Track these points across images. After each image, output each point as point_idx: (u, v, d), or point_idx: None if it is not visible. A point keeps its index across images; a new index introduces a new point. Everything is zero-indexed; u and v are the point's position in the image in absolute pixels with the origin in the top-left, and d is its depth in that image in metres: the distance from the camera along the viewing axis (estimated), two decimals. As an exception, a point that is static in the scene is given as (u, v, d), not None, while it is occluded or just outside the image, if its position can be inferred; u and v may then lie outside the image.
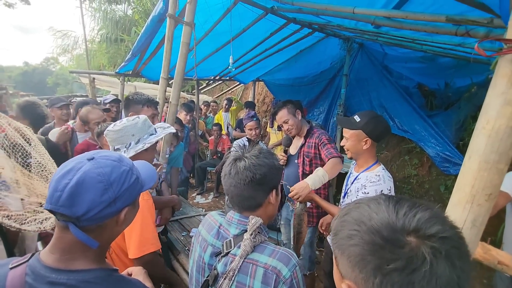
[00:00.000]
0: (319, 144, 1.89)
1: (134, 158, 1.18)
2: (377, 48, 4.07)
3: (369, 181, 1.45)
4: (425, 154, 3.77)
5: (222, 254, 0.87)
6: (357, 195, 1.49)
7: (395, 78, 4.07)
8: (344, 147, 1.58)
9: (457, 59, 3.15)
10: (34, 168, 1.34)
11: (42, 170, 1.35)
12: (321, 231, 1.75)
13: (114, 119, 2.52)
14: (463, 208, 0.63)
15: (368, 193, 1.44)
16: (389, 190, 1.44)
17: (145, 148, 1.23)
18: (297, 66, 4.89)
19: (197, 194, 4.95)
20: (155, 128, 1.35)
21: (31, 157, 1.34)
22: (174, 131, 1.39)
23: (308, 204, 1.80)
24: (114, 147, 1.25)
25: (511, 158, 0.58)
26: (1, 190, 1.23)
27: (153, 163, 1.46)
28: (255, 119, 2.87)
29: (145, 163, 0.89)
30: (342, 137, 5.04)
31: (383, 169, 1.51)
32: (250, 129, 2.87)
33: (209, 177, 5.35)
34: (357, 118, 1.51)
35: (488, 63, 2.17)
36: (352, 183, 1.56)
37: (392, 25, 1.88)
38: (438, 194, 3.59)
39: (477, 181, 0.61)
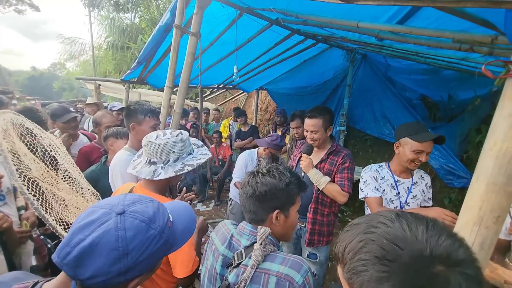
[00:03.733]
0: (339, 164, 1.81)
1: (166, 178, 1.13)
2: (380, 59, 4.09)
3: (429, 179, 1.68)
4: (428, 166, 3.73)
5: (233, 265, 0.87)
6: (427, 196, 1.67)
7: (398, 89, 4.08)
8: (418, 163, 1.55)
9: (460, 72, 3.16)
10: (63, 178, 1.32)
11: (73, 182, 1.34)
12: None
13: (120, 126, 2.51)
14: (471, 230, 0.62)
15: (431, 188, 1.68)
16: None
17: (186, 170, 1.14)
18: (301, 76, 4.92)
19: (198, 202, 4.93)
20: (192, 147, 1.28)
21: (60, 168, 1.33)
22: (210, 155, 1.31)
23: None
24: (150, 160, 1.17)
25: (519, 181, 0.57)
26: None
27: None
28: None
29: (186, 208, 0.78)
30: (345, 147, 4.97)
31: None
32: (293, 128, 2.91)
33: (211, 184, 5.33)
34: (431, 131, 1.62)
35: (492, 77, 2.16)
36: (411, 188, 1.67)
37: (395, 39, 1.90)
38: (442, 207, 3.53)
39: (485, 203, 0.60)
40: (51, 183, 1.19)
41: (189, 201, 1.56)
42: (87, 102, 4.72)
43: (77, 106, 6.29)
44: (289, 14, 2.25)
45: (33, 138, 1.25)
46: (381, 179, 1.70)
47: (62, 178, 1.27)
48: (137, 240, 0.57)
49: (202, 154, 1.26)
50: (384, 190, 1.68)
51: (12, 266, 1.29)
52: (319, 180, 1.77)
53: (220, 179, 4.77)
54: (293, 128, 2.78)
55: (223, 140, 5.17)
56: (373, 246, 0.43)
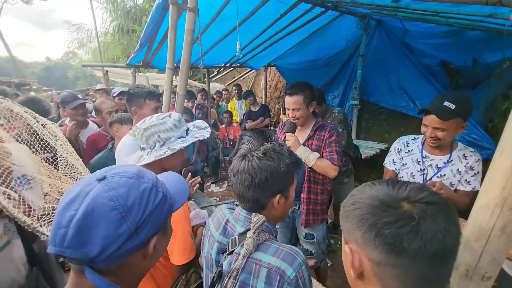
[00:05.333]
0: (326, 139, 1.77)
1: (157, 163, 1.10)
2: (397, 24, 3.77)
3: (474, 160, 1.42)
4: (449, 138, 3.53)
5: (227, 252, 0.84)
6: (464, 178, 1.44)
7: (416, 56, 3.77)
8: (431, 138, 1.42)
9: (487, 32, 2.84)
10: (60, 166, 1.32)
11: (70, 167, 1.34)
12: None
13: (125, 111, 2.50)
14: (491, 213, 0.54)
15: (478, 171, 1.43)
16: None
17: (166, 155, 1.09)
18: (310, 49, 4.67)
19: (212, 183, 5.01)
20: (188, 129, 1.22)
21: (57, 154, 1.32)
22: (208, 135, 1.24)
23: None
24: (140, 146, 1.16)
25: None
26: (21, 185, 1.24)
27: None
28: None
29: (173, 175, 0.75)
30: (359, 122, 4.82)
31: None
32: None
33: (223, 165, 5.37)
34: (450, 105, 1.33)
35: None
36: (443, 167, 1.49)
37: (412, -2, 1.70)
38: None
39: (510, 182, 0.51)
40: (45, 173, 1.19)
41: (195, 187, 1.54)
42: (96, 88, 4.78)
43: (89, 94, 6.39)
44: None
45: (29, 127, 1.25)
46: (406, 152, 1.63)
47: (62, 168, 1.28)
48: (133, 195, 0.52)
49: (196, 137, 1.20)
50: (406, 163, 1.62)
51: (32, 253, 1.33)
52: (308, 157, 1.72)
53: (232, 160, 4.79)
54: None
55: (235, 119, 5.11)
56: (360, 188, 0.56)
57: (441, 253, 0.45)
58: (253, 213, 0.83)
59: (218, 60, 4.86)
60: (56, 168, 1.26)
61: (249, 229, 0.82)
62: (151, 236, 0.55)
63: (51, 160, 1.25)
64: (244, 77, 7.86)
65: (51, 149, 1.27)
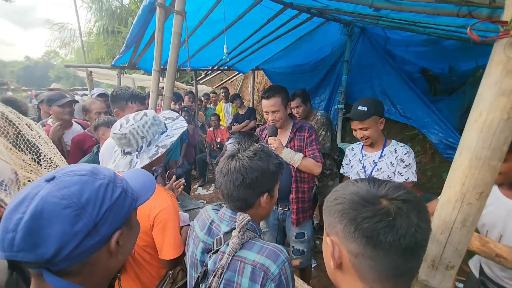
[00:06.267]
0: (307, 138, 1.83)
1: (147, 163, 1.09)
2: (379, 32, 3.92)
3: (403, 152, 1.62)
4: (428, 141, 3.69)
5: (212, 251, 0.85)
6: (396, 170, 1.62)
7: (398, 63, 3.94)
8: (361, 138, 1.70)
9: (461, 42, 3.02)
10: (44, 166, 1.29)
11: (54, 167, 1.31)
12: None
13: (105, 113, 2.45)
14: (453, 207, 0.59)
15: (410, 163, 1.60)
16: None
17: (161, 153, 1.09)
18: (297, 53, 4.76)
19: (199, 186, 4.97)
20: (165, 124, 1.21)
21: (41, 154, 1.29)
22: (186, 126, 1.24)
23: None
24: (124, 151, 1.13)
25: (505, 154, 0.54)
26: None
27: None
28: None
29: (138, 170, 0.74)
30: (343, 126, 4.92)
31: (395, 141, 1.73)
32: (293, 108, 2.68)
33: (210, 168, 5.35)
34: (363, 108, 1.64)
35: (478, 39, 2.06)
36: (378, 161, 1.70)
37: (391, 8, 1.79)
38: (441, 181, 3.54)
39: (468, 179, 0.56)
40: (27, 170, 1.17)
41: (179, 189, 1.54)
42: (49, 88, 4.68)
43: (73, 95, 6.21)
44: (278, -15, 2.12)
45: (8, 124, 1.22)
46: (352, 155, 1.88)
47: (44, 165, 1.26)
48: (87, 192, 0.50)
49: (177, 128, 1.19)
50: (352, 165, 1.86)
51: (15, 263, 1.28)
52: (293, 158, 1.77)
53: (219, 163, 4.78)
54: (293, 108, 2.70)
55: (221, 123, 5.12)
56: (343, 185, 0.59)
57: (413, 246, 0.48)
58: (238, 213, 0.86)
59: (205, 62, 4.86)
60: (40, 168, 1.23)
61: (234, 229, 0.84)
62: (113, 232, 0.54)
63: (37, 160, 1.23)
64: (232, 80, 7.89)
65: (36, 149, 1.24)
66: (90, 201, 0.50)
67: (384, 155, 1.68)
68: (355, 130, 1.69)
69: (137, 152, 1.10)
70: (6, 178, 1.39)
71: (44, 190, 0.48)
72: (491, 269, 1.29)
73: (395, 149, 1.67)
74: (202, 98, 6.10)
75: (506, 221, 1.14)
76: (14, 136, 1.23)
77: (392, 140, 1.73)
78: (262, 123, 6.50)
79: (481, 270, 1.35)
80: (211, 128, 5.01)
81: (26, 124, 1.32)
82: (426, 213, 0.52)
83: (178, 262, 1.15)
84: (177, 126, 1.21)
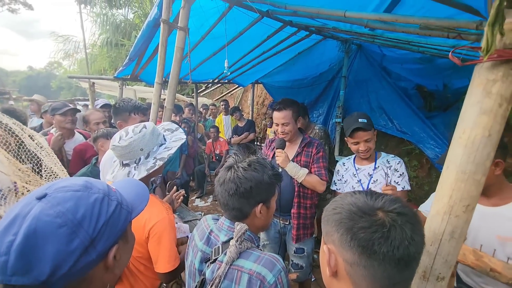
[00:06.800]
0: (314, 155, 1.83)
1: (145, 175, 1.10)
2: (375, 49, 4.05)
3: (395, 162, 1.67)
4: (424, 156, 3.73)
5: (210, 261, 0.87)
6: (392, 180, 1.65)
7: (393, 79, 4.04)
8: (362, 151, 1.69)
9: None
10: (45, 176, 1.30)
11: (54, 177, 1.32)
12: None
13: (104, 123, 2.49)
14: (442, 219, 0.62)
15: (403, 173, 1.65)
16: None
17: (158, 166, 1.11)
18: (296, 68, 4.88)
19: (197, 197, 4.95)
20: (164, 136, 1.22)
21: (42, 165, 1.30)
22: (184, 138, 1.25)
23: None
24: (122, 162, 1.14)
25: (488, 168, 0.57)
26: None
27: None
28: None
29: (130, 181, 0.74)
30: (342, 139, 4.97)
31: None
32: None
33: (209, 179, 5.35)
34: (363, 120, 1.65)
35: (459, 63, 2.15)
36: (373, 173, 1.73)
37: (384, 28, 1.87)
38: (438, 196, 3.54)
39: (455, 192, 0.59)
40: (26, 181, 1.19)
41: (179, 200, 1.55)
42: (30, 98, 4.80)
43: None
44: (278, 5, 2.21)
45: (8, 133, 1.24)
46: (344, 170, 1.88)
47: (45, 176, 1.27)
48: (83, 208, 0.48)
49: (175, 141, 1.21)
50: (346, 180, 1.85)
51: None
52: (298, 173, 1.77)
53: (217, 174, 4.78)
54: None
55: (220, 135, 5.16)
56: (342, 196, 0.61)
57: (406, 258, 0.50)
58: (236, 222, 0.88)
59: (206, 76, 4.97)
60: (41, 178, 1.25)
61: (232, 238, 0.86)
62: (110, 247, 0.52)
63: (37, 170, 1.25)
64: (232, 93, 8.01)
65: (37, 160, 1.26)
66: (85, 217, 0.48)
67: (378, 166, 1.72)
68: (357, 143, 1.67)
69: (135, 164, 1.12)
70: (4, 187, 1.41)
71: (36, 208, 0.46)
72: (468, 276, 1.32)
73: (387, 160, 1.72)
74: (201, 109, 6.18)
75: (478, 227, 1.20)
76: (16, 147, 1.25)
77: (382, 152, 1.79)
78: (261, 136, 6.55)
79: (458, 278, 1.37)
80: (210, 140, 5.05)
81: (29, 135, 1.35)
82: (420, 227, 0.54)
83: (175, 275, 1.14)
84: (176, 138, 1.23)
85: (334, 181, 1.95)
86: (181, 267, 1.13)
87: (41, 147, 1.31)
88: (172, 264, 1.10)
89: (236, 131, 5.04)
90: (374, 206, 0.54)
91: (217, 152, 5.05)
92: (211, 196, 4.99)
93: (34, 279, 0.44)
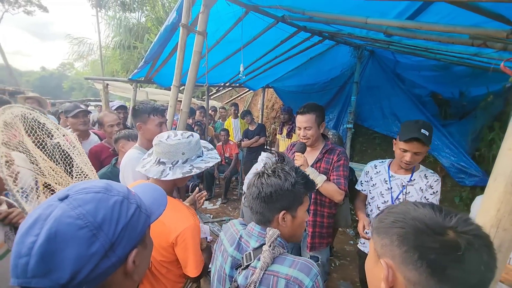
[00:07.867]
0: (335, 162, 1.77)
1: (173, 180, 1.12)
2: (388, 55, 4.02)
3: (433, 180, 1.58)
4: (439, 164, 3.66)
5: (242, 267, 0.86)
6: (424, 196, 1.57)
7: (407, 86, 4.00)
8: (406, 162, 1.56)
9: (472, 68, 3.07)
10: (75, 175, 1.32)
11: (84, 177, 1.34)
12: (363, 236, 1.69)
13: (117, 125, 2.52)
14: (488, 233, 0.60)
15: (437, 191, 1.57)
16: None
17: (194, 173, 1.13)
18: (307, 73, 4.88)
19: (205, 200, 4.95)
20: (202, 150, 1.26)
21: (73, 165, 1.32)
22: (219, 159, 1.28)
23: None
24: (159, 159, 1.15)
25: (540, 181, 0.55)
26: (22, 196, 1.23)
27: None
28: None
29: (148, 185, 0.73)
30: (352, 145, 4.90)
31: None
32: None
33: (218, 182, 5.35)
34: (426, 132, 1.48)
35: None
36: (407, 185, 1.64)
37: (405, 35, 1.86)
38: (452, 206, 3.47)
39: (503, 205, 0.58)
40: (58, 181, 1.21)
41: (201, 200, 1.56)
42: (27, 96, 4.84)
43: (86, 105, 6.41)
44: (295, 11, 2.22)
45: (45, 133, 1.26)
46: (375, 174, 1.79)
47: (75, 175, 1.29)
48: (103, 210, 0.48)
49: (211, 157, 1.24)
50: (375, 183, 1.77)
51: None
52: (316, 178, 1.70)
53: (227, 177, 4.78)
54: None
55: (230, 138, 5.17)
56: (401, 207, 0.57)
57: (479, 284, 0.47)
58: (268, 228, 0.87)
59: (219, 79, 5.01)
60: (72, 178, 1.27)
61: (263, 244, 0.85)
62: (129, 251, 0.51)
63: (69, 170, 1.27)
64: (241, 96, 8.05)
65: (70, 160, 1.29)
66: (105, 220, 0.48)
67: (414, 179, 1.62)
68: (406, 151, 1.53)
69: (171, 165, 1.14)
70: (26, 185, 1.43)
71: (58, 210, 0.46)
72: None
73: (425, 175, 1.61)
74: (211, 111, 6.22)
75: None
76: (51, 146, 1.28)
77: (421, 165, 1.67)
78: (271, 140, 6.55)
79: None
80: (220, 143, 5.07)
81: (63, 135, 1.38)
82: (494, 251, 0.51)
83: (200, 277, 1.17)
84: (211, 156, 1.27)
85: (361, 181, 1.88)
86: (204, 269, 1.15)
87: (73, 147, 1.34)
88: (199, 270, 1.12)
89: (247, 134, 5.05)
90: (445, 224, 0.50)
91: (227, 155, 5.05)
92: (219, 198, 4.98)
93: (53, 282, 0.43)
